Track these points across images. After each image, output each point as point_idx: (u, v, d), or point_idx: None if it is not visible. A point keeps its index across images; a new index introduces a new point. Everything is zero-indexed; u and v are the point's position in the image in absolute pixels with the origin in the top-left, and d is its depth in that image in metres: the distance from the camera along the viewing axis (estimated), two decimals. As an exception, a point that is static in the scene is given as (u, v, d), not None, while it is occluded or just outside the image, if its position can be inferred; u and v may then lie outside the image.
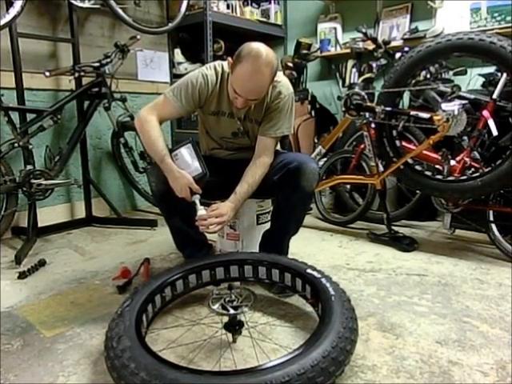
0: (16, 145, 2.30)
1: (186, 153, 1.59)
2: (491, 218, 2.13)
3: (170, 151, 1.61)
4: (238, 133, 1.76)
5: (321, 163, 2.70)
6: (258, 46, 1.49)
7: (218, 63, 1.69)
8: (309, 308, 1.49)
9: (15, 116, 2.32)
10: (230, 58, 1.56)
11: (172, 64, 3.38)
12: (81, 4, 2.56)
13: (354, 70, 3.06)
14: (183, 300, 1.58)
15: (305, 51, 3.11)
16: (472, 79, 2.48)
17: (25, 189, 2.29)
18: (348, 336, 1.09)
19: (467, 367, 1.21)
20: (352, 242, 2.40)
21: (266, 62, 1.48)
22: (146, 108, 1.66)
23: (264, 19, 3.49)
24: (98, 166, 3.02)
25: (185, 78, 1.66)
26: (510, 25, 2.50)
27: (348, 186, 2.87)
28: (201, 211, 1.55)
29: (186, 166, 1.58)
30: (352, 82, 3.02)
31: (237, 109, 1.65)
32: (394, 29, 3.04)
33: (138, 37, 2.64)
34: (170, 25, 2.91)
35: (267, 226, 1.84)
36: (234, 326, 1.24)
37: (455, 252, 2.20)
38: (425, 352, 1.29)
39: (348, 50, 3.07)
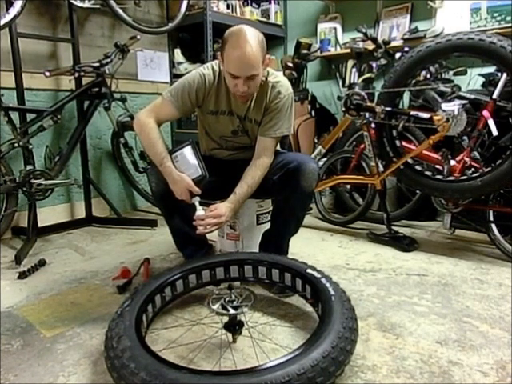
0: (16, 145, 2.30)
1: (185, 155, 1.58)
2: (491, 218, 2.13)
3: (170, 153, 1.60)
4: (238, 131, 1.76)
5: (321, 163, 2.70)
6: (237, 25, 1.53)
7: (214, 62, 1.69)
8: (309, 308, 1.49)
9: (15, 116, 2.32)
10: (218, 53, 1.59)
11: (172, 64, 3.38)
12: (81, 4, 2.56)
13: (354, 70, 3.05)
14: (183, 300, 1.58)
15: (305, 51, 3.10)
16: (472, 79, 2.47)
17: (25, 189, 2.29)
18: (348, 336, 1.09)
19: (467, 367, 1.21)
20: (352, 242, 2.40)
21: (250, 32, 1.49)
22: (145, 110, 1.67)
23: (264, 19, 3.49)
24: (98, 166, 3.02)
25: (182, 78, 1.67)
26: (510, 25, 2.50)
27: (348, 186, 2.87)
28: (199, 211, 1.55)
29: (185, 168, 1.57)
30: (352, 81, 3.02)
31: (237, 104, 1.65)
32: (394, 29, 3.04)
33: (138, 37, 2.64)
34: (170, 25, 2.91)
35: (267, 225, 1.84)
36: (234, 326, 1.24)
37: (455, 252, 2.20)
38: (425, 352, 1.29)
39: (348, 50, 3.07)
